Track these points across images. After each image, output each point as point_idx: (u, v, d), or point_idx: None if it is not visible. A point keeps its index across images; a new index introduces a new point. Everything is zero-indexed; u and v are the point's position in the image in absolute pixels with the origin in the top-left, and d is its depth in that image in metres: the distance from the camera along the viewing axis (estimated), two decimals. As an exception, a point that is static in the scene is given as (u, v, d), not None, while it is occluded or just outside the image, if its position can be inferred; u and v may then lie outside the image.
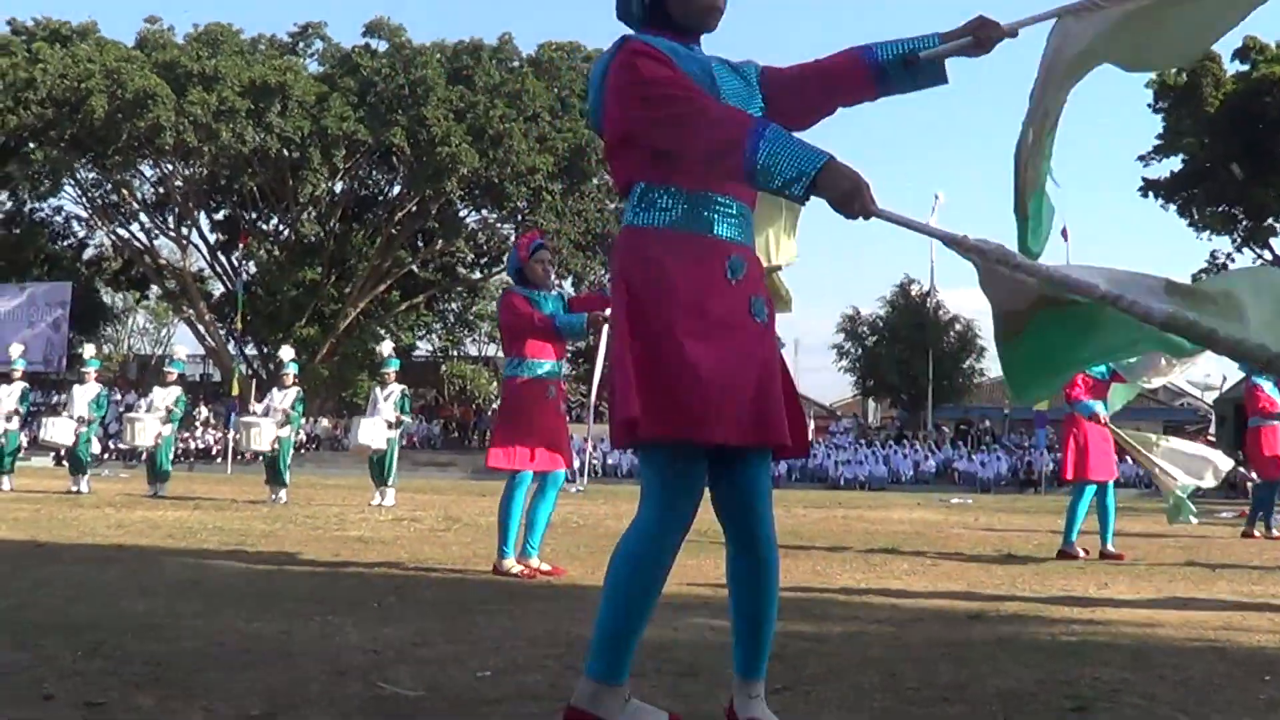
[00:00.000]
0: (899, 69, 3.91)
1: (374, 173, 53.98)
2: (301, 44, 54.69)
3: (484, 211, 55.94)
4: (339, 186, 53.55)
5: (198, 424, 49.53)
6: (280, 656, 4.91)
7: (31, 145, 49.96)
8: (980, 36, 3.87)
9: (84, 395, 20.90)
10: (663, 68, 3.58)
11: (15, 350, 22.20)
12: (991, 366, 54.10)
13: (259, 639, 5.35)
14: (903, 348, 52.36)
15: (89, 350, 22.13)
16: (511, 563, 8.56)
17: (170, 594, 6.82)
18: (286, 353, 20.65)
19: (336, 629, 5.71)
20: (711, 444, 3.59)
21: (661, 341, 3.55)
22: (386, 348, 20.06)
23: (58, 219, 59.13)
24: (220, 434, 47.24)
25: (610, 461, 47.24)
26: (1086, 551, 11.46)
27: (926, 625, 6.46)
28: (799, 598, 7.23)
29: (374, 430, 18.77)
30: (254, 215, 55.94)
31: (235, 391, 39.52)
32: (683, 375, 3.51)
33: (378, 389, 19.86)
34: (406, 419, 19.77)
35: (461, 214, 55.47)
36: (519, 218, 53.25)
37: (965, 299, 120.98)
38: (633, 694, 3.72)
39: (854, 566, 9.79)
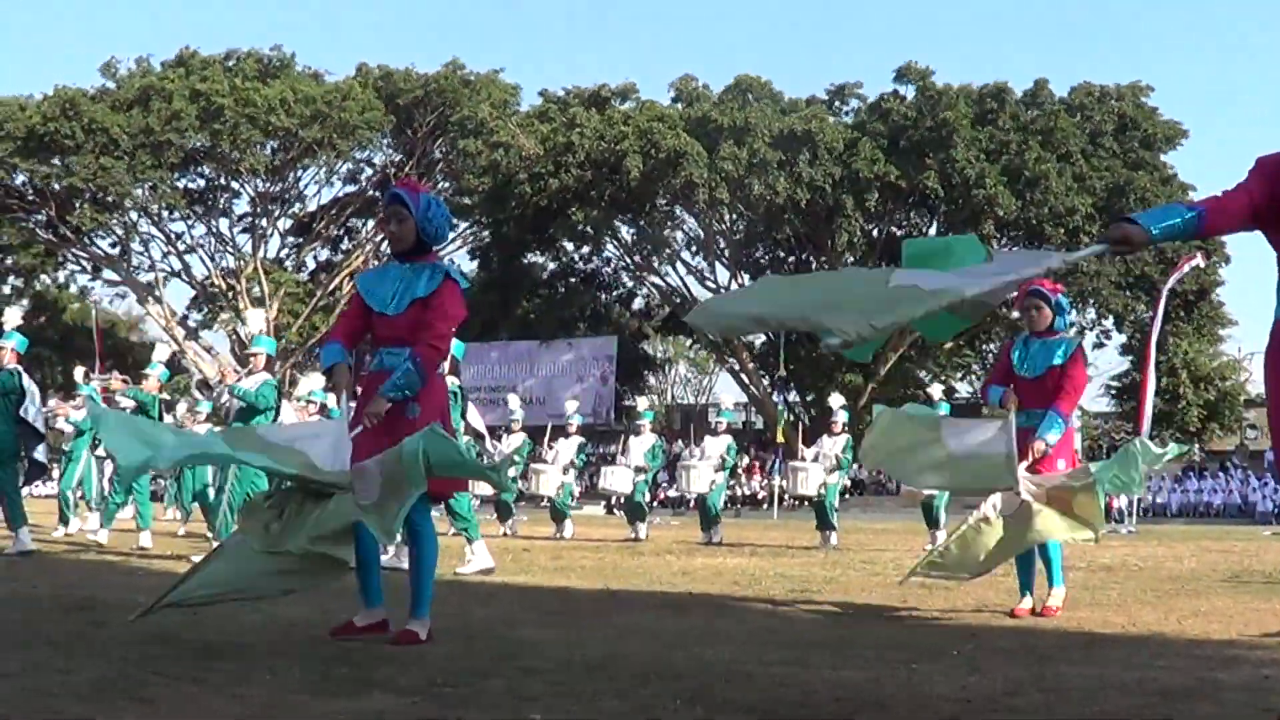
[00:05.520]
0: None
1: (910, 215, 53.72)
2: (837, 102, 55.08)
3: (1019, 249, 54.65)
4: (875, 230, 53.49)
5: (741, 471, 50.70)
6: (873, 706, 4.90)
7: (573, 207, 52.28)
8: None
9: (640, 445, 21.66)
10: None
11: (570, 406, 23.48)
12: None
13: (850, 688, 5.34)
14: None
15: (644, 403, 23.05)
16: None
17: (752, 641, 6.91)
18: (836, 400, 20.74)
19: (924, 677, 5.65)
20: None
21: None
22: (936, 391, 19.79)
23: (606, 270, 61.97)
24: (766, 480, 48.23)
25: (1159, 500, 45.37)
26: None
27: None
28: None
29: (924, 474, 18.56)
30: (793, 261, 56.74)
31: (780, 439, 40.12)
32: None
33: (928, 434, 19.57)
34: (953, 464, 19.27)
35: (1002, 254, 54.45)
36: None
37: None
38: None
39: None
